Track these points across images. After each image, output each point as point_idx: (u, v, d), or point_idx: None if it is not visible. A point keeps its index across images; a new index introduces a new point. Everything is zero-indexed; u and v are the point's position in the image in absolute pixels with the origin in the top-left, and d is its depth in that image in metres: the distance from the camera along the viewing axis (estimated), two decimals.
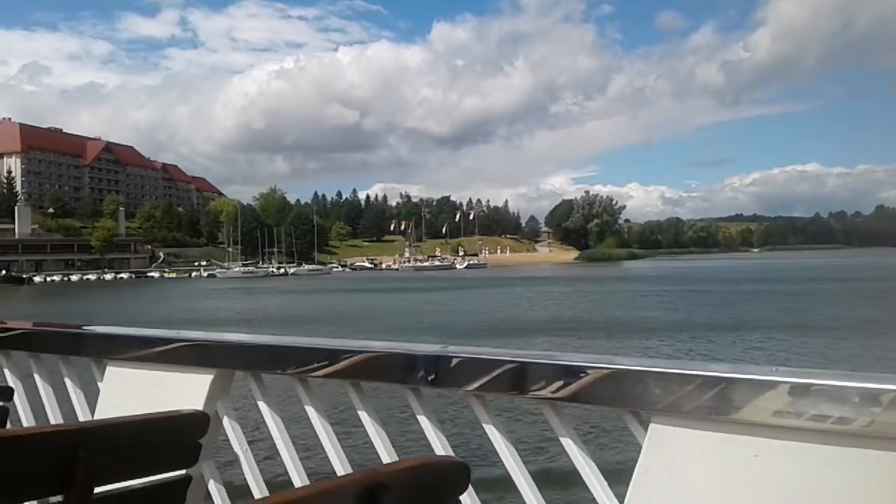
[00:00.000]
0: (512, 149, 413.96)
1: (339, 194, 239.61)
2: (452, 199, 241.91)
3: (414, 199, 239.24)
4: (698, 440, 1.41)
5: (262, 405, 2.10)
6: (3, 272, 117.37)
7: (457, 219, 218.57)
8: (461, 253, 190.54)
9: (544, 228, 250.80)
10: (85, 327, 2.59)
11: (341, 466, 1.91)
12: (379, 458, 1.84)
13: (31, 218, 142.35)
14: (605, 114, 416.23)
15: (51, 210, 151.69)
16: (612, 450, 9.37)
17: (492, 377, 1.66)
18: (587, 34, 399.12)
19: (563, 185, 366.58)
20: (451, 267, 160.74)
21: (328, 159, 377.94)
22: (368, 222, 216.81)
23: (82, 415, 2.43)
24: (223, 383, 2.17)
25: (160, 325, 2.19)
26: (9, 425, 2.36)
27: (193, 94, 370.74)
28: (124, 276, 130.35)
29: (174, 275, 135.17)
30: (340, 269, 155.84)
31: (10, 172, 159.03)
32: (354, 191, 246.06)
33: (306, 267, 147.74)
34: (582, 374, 1.53)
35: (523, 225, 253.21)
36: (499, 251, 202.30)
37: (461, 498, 1.50)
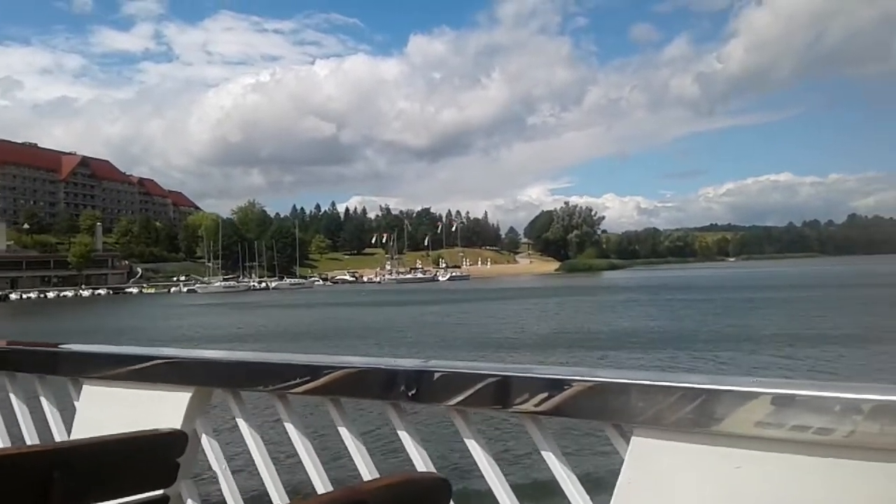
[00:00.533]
0: (489, 161, 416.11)
1: (318, 207, 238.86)
2: (432, 211, 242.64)
3: (394, 212, 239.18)
4: (680, 452, 1.40)
5: (241, 423, 2.06)
6: None
7: (439, 231, 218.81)
8: (442, 265, 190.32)
9: (524, 240, 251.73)
10: (61, 346, 2.52)
11: (321, 484, 1.89)
12: (359, 474, 1.82)
13: (6, 234, 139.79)
14: (582, 125, 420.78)
15: (26, 226, 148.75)
16: (594, 463, 9.10)
17: (473, 391, 1.64)
18: (563, 46, 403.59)
19: (540, 197, 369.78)
20: (434, 279, 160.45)
21: (304, 172, 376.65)
22: (348, 235, 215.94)
23: (59, 435, 2.39)
24: (201, 401, 2.13)
25: (145, 344, 2.21)
26: None
27: (168, 107, 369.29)
28: (102, 292, 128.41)
29: (153, 290, 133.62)
30: (322, 282, 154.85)
31: None
32: (333, 204, 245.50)
33: (288, 281, 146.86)
34: (563, 388, 1.52)
35: (503, 236, 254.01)
36: (479, 263, 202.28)
37: None
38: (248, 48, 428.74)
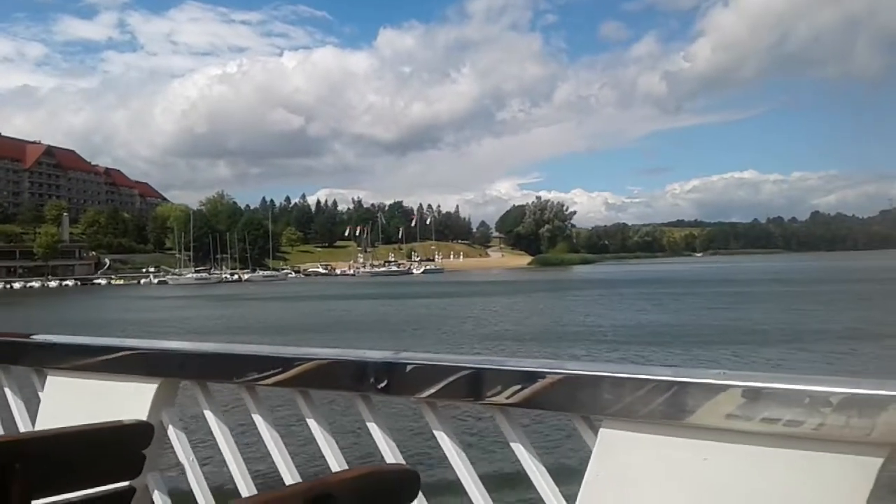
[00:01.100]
0: (459, 155, 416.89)
1: (288, 200, 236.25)
2: (403, 204, 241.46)
3: (365, 205, 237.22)
4: (648, 444, 1.40)
5: (208, 414, 2.03)
6: None
7: (413, 224, 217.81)
8: (416, 258, 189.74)
9: (495, 234, 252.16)
10: (25, 336, 2.44)
11: (290, 475, 1.87)
12: (328, 466, 1.80)
13: None
14: (551, 121, 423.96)
15: None
16: (563, 455, 9.20)
17: (443, 384, 1.63)
18: (533, 42, 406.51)
19: (508, 191, 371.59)
20: (409, 272, 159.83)
21: (271, 164, 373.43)
22: (319, 228, 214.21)
23: (23, 426, 2.33)
24: (168, 392, 2.10)
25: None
26: None
27: (132, 97, 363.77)
28: (69, 283, 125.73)
29: (122, 282, 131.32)
30: (295, 275, 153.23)
31: None
32: (304, 196, 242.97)
33: (261, 273, 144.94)
34: (534, 380, 1.51)
35: (474, 230, 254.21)
36: (452, 256, 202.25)
37: None
38: (215, 39, 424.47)
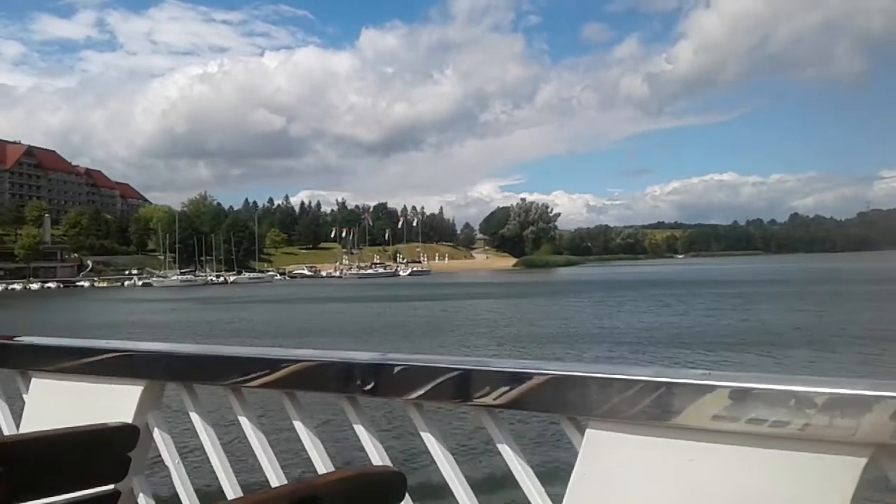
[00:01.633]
0: (441, 156, 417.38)
1: (271, 201, 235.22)
2: (388, 206, 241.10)
3: (349, 206, 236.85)
4: (634, 445, 1.40)
5: (194, 417, 2.01)
6: None
7: (399, 226, 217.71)
8: (402, 260, 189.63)
9: (479, 236, 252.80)
10: (8, 338, 2.41)
11: (276, 478, 1.85)
12: (315, 468, 1.80)
13: None
14: (533, 123, 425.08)
15: None
16: (550, 456, 9.25)
17: (430, 386, 1.62)
18: (516, 44, 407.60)
19: (490, 193, 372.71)
20: (395, 274, 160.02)
21: (252, 165, 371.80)
22: (303, 229, 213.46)
23: (7, 429, 2.31)
24: (154, 395, 2.08)
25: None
26: None
27: (111, 97, 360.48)
28: (52, 285, 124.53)
29: (105, 284, 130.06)
30: (280, 277, 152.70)
31: None
32: (287, 197, 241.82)
33: (247, 275, 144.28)
34: (520, 381, 1.51)
35: (458, 232, 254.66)
36: (437, 258, 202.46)
37: None
38: (196, 38, 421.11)
